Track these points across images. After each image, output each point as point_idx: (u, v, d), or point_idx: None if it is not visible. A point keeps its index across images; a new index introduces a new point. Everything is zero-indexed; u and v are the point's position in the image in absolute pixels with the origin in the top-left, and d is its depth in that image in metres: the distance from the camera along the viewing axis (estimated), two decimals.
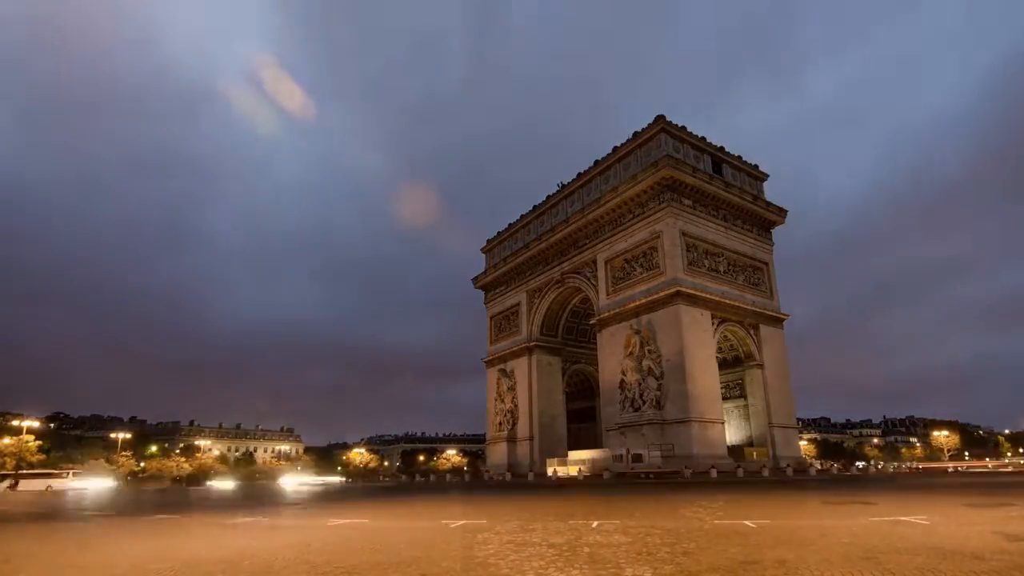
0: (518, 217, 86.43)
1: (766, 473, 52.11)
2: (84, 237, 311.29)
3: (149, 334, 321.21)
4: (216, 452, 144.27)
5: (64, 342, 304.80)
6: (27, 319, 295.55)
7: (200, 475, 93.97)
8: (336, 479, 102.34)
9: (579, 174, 74.18)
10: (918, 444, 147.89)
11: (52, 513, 24.72)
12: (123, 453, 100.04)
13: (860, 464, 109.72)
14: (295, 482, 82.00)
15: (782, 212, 69.90)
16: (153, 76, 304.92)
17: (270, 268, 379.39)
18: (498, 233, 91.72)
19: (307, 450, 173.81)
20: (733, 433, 62.44)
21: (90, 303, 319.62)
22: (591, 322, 68.91)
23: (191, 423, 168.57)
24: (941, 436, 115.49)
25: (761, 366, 62.65)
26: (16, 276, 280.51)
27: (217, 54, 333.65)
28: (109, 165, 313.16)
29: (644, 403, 57.79)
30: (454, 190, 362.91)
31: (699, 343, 57.04)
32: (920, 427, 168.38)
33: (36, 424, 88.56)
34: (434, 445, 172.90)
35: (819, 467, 79.53)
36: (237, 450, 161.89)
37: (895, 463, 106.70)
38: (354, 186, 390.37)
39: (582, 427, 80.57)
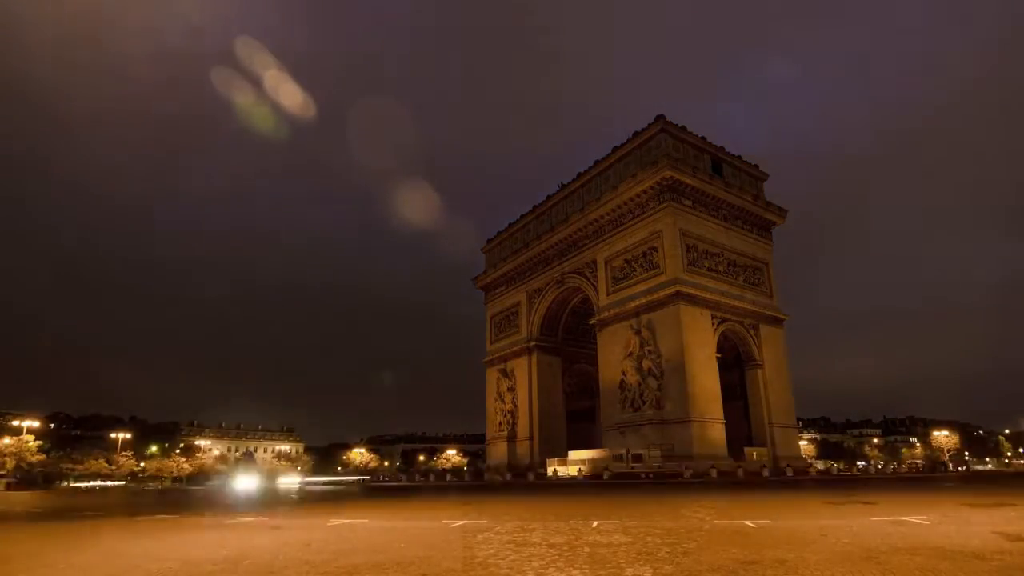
0: (518, 217, 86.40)
1: (766, 473, 52.14)
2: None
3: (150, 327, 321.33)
4: (216, 452, 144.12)
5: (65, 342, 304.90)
6: (29, 318, 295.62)
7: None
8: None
9: (579, 174, 74.14)
10: (918, 444, 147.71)
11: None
12: (123, 453, 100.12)
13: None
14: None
15: (782, 212, 69.86)
16: None
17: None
18: (498, 233, 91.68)
19: (307, 450, 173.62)
20: (733, 433, 62.34)
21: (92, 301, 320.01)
22: (591, 322, 68.87)
23: (191, 423, 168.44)
24: (941, 436, 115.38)
25: (761, 366, 62.60)
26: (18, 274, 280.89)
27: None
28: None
29: (644, 403, 57.75)
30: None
31: (699, 343, 57.00)
32: (920, 427, 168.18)
33: (36, 424, 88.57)
34: (434, 445, 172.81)
35: (820, 467, 79.47)
36: (237, 450, 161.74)
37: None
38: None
39: (582, 427, 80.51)
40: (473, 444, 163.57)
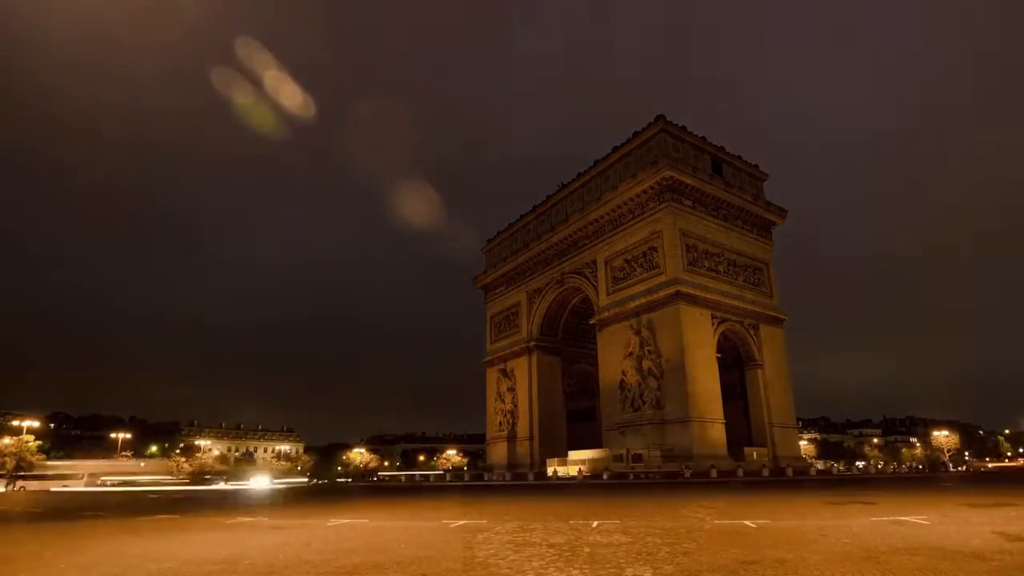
0: (518, 217, 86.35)
1: (766, 473, 52.10)
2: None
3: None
4: (216, 452, 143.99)
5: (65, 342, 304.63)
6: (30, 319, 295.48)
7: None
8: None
9: (579, 174, 74.09)
10: (918, 444, 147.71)
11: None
12: (123, 453, 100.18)
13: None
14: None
15: (782, 212, 69.83)
16: None
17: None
18: (498, 233, 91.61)
19: (307, 450, 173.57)
20: (733, 433, 62.35)
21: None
22: (591, 322, 68.82)
23: (191, 423, 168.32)
24: (941, 436, 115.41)
25: (761, 366, 62.58)
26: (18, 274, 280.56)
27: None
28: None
29: (644, 403, 57.73)
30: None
31: (699, 343, 56.98)
32: (920, 427, 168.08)
33: (36, 424, 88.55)
34: (434, 445, 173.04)
35: (820, 467, 79.36)
36: (237, 450, 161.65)
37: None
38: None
39: (582, 427, 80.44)
40: (473, 444, 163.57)
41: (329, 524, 15.62)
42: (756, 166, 71.33)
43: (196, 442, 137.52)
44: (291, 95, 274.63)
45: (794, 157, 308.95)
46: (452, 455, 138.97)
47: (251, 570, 8.45)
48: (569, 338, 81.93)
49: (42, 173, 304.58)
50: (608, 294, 65.52)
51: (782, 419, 62.93)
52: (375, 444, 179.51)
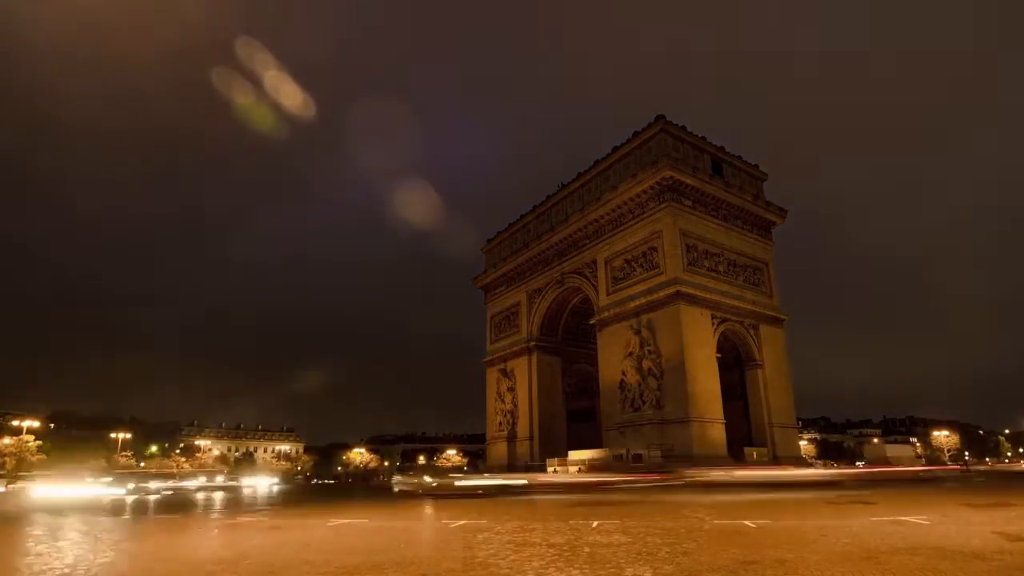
0: (518, 217, 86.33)
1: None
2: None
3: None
4: (216, 452, 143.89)
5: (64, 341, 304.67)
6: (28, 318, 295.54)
7: None
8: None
9: (579, 174, 74.08)
10: (918, 444, 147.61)
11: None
12: (123, 453, 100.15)
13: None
14: None
15: (782, 212, 69.84)
16: None
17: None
18: (498, 233, 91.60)
19: (307, 450, 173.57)
20: (733, 433, 62.35)
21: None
22: (591, 322, 68.79)
23: (191, 423, 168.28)
24: (941, 436, 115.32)
25: (761, 366, 62.55)
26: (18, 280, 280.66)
27: None
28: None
29: (644, 403, 57.73)
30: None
31: (699, 343, 56.98)
32: (920, 427, 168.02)
33: (36, 424, 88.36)
34: (434, 445, 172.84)
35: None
36: (237, 450, 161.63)
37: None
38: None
39: (582, 427, 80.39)
40: (473, 444, 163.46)
41: (329, 524, 15.63)
42: (756, 166, 71.33)
43: (196, 442, 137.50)
44: (291, 95, 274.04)
45: (794, 157, 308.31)
46: (452, 455, 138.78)
47: (251, 570, 8.45)
48: (569, 338, 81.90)
49: (42, 173, 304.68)
50: (608, 294, 65.52)
51: (782, 419, 62.93)
52: (375, 444, 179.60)
